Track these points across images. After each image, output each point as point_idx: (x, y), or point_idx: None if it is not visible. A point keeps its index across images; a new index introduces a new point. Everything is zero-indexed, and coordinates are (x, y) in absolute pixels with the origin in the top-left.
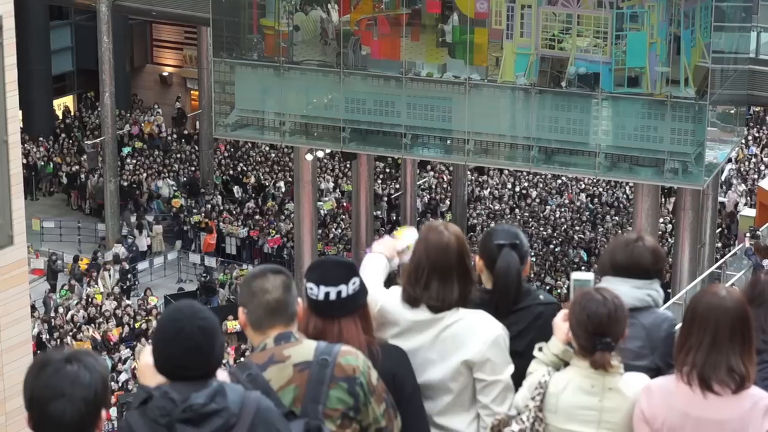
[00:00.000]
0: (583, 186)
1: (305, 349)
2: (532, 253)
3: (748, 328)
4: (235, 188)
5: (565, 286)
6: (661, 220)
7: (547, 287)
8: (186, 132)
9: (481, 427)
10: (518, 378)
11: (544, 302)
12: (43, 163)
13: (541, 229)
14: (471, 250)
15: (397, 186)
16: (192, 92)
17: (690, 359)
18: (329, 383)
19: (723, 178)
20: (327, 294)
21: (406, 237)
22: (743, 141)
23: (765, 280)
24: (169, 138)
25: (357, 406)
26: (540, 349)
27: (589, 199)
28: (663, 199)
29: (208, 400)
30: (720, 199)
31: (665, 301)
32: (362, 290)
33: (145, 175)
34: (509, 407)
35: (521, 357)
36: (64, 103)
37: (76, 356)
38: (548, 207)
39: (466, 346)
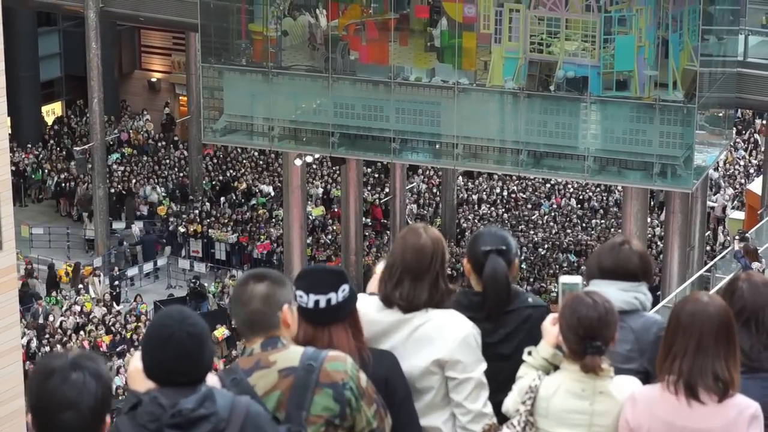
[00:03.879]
0: (572, 190)
1: (291, 354)
2: (522, 257)
3: (731, 333)
4: (222, 198)
5: (555, 289)
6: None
7: (538, 291)
8: (175, 138)
9: (457, 426)
10: (507, 381)
11: (532, 305)
12: (32, 169)
13: (531, 232)
14: (461, 254)
15: (387, 191)
16: (181, 98)
17: (676, 367)
18: (314, 389)
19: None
20: (317, 302)
21: None
22: (731, 144)
23: (741, 292)
24: (158, 144)
25: (343, 413)
26: (529, 353)
27: (578, 203)
28: (651, 203)
29: (197, 405)
30: (708, 203)
31: (654, 305)
32: (352, 297)
33: (134, 181)
34: (483, 404)
35: (509, 360)
36: (53, 109)
37: (80, 363)
38: (537, 212)
39: (436, 345)
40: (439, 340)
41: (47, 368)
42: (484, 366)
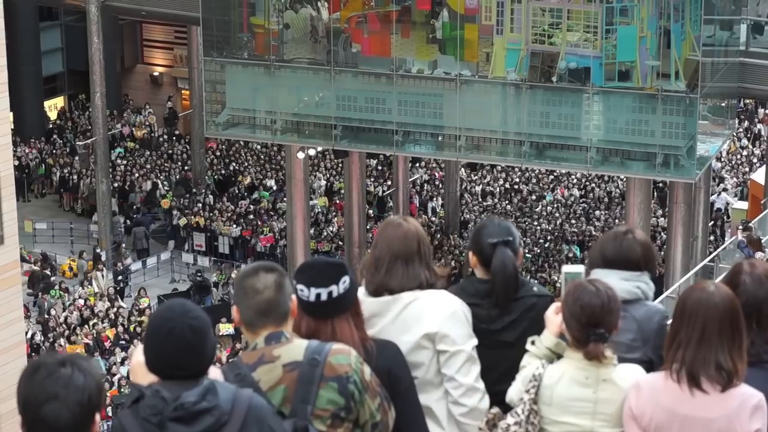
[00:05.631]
0: (575, 181)
1: (295, 348)
2: (526, 249)
3: (737, 323)
4: (231, 189)
5: (559, 281)
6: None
7: (541, 282)
8: (177, 132)
9: (449, 401)
10: (510, 370)
11: (537, 294)
12: (35, 164)
13: (535, 224)
14: (465, 246)
15: (389, 183)
16: (183, 92)
17: (679, 356)
18: (319, 383)
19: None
20: (318, 295)
21: None
22: (734, 134)
23: (745, 285)
24: (161, 138)
25: (349, 406)
26: (533, 343)
27: (581, 193)
28: (655, 194)
29: (199, 398)
30: (711, 198)
31: (658, 295)
32: (353, 288)
33: (137, 175)
34: (475, 378)
35: (513, 348)
36: (56, 104)
37: (70, 359)
38: (541, 202)
39: (425, 321)
40: (427, 315)
41: (35, 364)
42: (474, 341)
